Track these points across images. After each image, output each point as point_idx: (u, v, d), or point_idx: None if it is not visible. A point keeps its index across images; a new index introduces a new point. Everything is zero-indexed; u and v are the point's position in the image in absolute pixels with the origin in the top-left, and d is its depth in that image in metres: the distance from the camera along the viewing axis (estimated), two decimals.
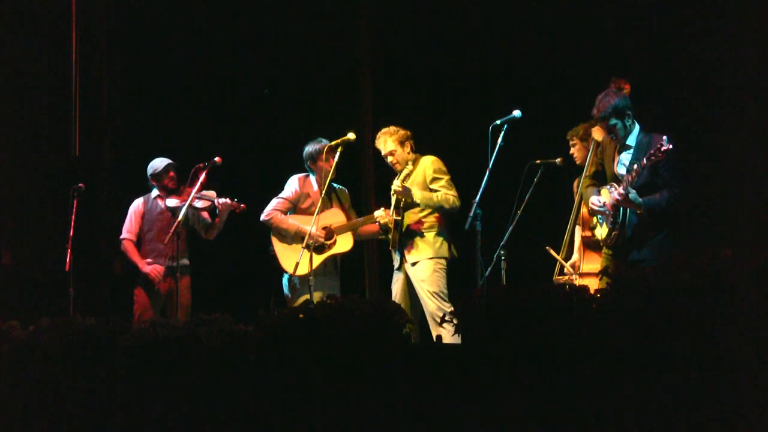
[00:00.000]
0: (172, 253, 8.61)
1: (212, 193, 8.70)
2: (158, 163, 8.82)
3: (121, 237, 8.84)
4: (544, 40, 9.26)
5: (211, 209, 8.76)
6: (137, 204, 8.89)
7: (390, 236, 8.10)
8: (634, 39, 8.71)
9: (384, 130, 8.11)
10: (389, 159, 8.10)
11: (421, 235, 7.97)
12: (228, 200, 8.66)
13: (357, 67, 10.09)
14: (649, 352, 4.78)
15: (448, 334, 7.46)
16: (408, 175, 8.04)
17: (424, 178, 8.00)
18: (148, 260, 8.72)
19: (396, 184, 7.97)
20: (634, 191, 6.58)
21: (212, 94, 10.47)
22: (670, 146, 6.41)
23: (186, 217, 8.51)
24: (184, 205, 8.46)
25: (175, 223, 8.41)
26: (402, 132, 8.07)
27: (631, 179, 6.59)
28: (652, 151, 6.47)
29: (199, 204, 8.62)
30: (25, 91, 9.92)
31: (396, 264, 8.11)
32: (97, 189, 9.76)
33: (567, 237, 7.89)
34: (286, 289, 8.43)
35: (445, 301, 7.81)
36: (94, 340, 5.86)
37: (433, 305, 7.80)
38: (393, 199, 8.07)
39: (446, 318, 7.38)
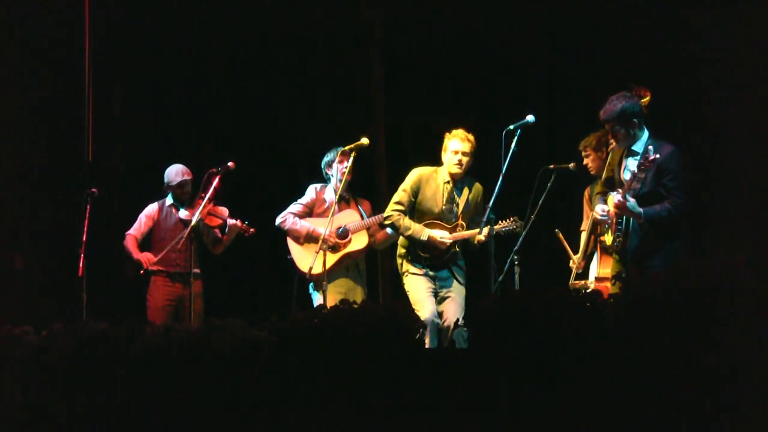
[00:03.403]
0: (185, 259, 8.65)
1: (224, 211, 8.74)
2: (173, 175, 8.88)
3: (126, 233, 8.91)
4: (558, 45, 9.26)
5: (222, 226, 8.79)
6: (152, 209, 8.95)
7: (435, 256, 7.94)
8: (648, 43, 8.70)
9: (466, 132, 7.90)
10: (460, 157, 7.85)
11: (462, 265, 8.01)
12: (238, 222, 8.72)
13: (370, 71, 10.10)
14: (662, 358, 4.77)
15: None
16: (467, 199, 7.95)
17: (477, 205, 7.96)
18: (158, 267, 8.77)
19: (485, 233, 7.57)
20: (632, 200, 6.58)
21: (225, 98, 10.48)
22: (657, 156, 6.45)
23: (197, 227, 8.52)
24: (192, 219, 8.48)
25: (188, 228, 8.43)
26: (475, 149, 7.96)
27: (628, 188, 6.59)
28: (641, 161, 6.49)
29: (210, 221, 8.64)
30: (38, 96, 9.93)
31: (426, 272, 7.95)
32: (110, 194, 9.76)
33: (583, 245, 7.88)
34: (311, 292, 8.45)
35: None
36: (106, 345, 5.85)
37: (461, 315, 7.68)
38: (465, 233, 7.91)
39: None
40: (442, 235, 7.85)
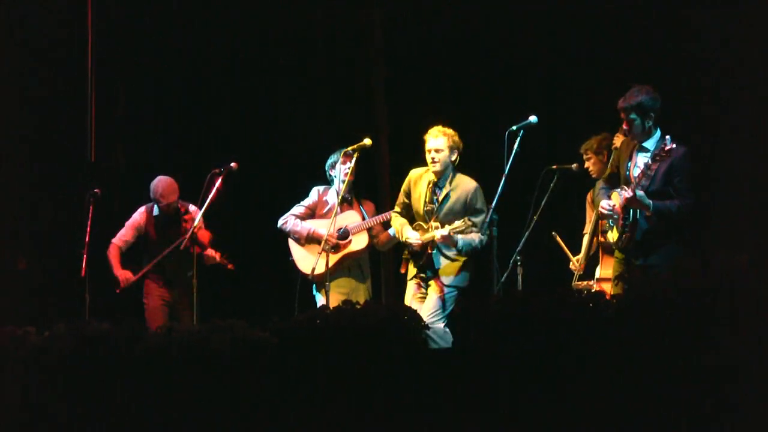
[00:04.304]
0: (172, 270, 8.68)
1: (207, 238, 8.68)
2: (158, 196, 8.78)
3: (111, 240, 8.92)
4: (559, 45, 9.27)
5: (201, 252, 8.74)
6: (139, 217, 8.93)
7: (414, 258, 7.81)
8: (648, 43, 8.72)
9: (442, 127, 7.73)
10: (433, 155, 7.66)
11: (453, 260, 7.70)
12: (217, 256, 8.73)
13: (370, 71, 10.10)
14: (662, 358, 4.79)
15: None
16: (446, 197, 7.70)
17: (466, 205, 7.67)
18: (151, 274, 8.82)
19: (442, 233, 7.51)
20: (642, 191, 6.61)
21: (225, 98, 10.49)
22: (673, 145, 6.48)
23: (193, 235, 8.51)
24: (198, 216, 8.48)
25: (190, 230, 8.43)
26: (458, 140, 7.70)
27: (639, 179, 6.61)
28: (656, 151, 6.52)
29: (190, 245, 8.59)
30: (40, 96, 9.94)
31: (414, 275, 7.83)
32: (112, 194, 9.77)
33: (585, 246, 7.89)
34: (315, 293, 8.46)
35: (441, 321, 7.54)
36: (108, 345, 5.87)
37: (428, 314, 7.48)
38: (429, 235, 7.65)
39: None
40: (416, 237, 7.72)
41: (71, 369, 5.88)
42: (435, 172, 7.73)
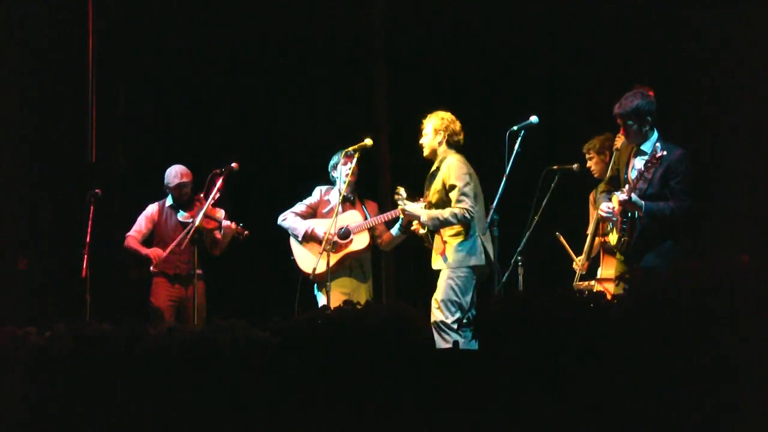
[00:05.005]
0: (186, 261, 8.67)
1: (221, 214, 8.74)
2: (172, 177, 8.88)
3: (126, 234, 8.94)
4: (561, 45, 9.28)
5: (218, 228, 8.78)
6: (152, 209, 8.96)
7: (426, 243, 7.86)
8: (648, 43, 8.73)
9: (436, 111, 7.82)
10: (421, 140, 7.81)
11: (446, 242, 7.63)
12: (233, 225, 8.71)
13: (371, 71, 10.11)
14: (662, 358, 4.78)
15: (443, 344, 7.34)
16: (432, 176, 7.75)
17: (443, 182, 7.64)
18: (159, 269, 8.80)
19: (400, 207, 7.73)
20: (637, 195, 6.61)
21: (225, 98, 10.49)
22: (664, 153, 6.48)
23: (199, 228, 8.50)
24: (194, 219, 8.48)
25: (192, 229, 8.43)
26: (445, 122, 7.72)
27: (634, 186, 6.62)
28: (648, 158, 6.52)
29: (206, 224, 8.61)
30: (40, 96, 9.95)
31: None
32: (112, 194, 9.78)
33: (587, 246, 7.89)
34: (316, 293, 8.46)
35: (448, 311, 7.46)
36: (110, 346, 5.86)
37: (436, 313, 7.48)
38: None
39: (445, 328, 7.32)
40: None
41: (71, 369, 5.86)
42: (425, 156, 7.84)
